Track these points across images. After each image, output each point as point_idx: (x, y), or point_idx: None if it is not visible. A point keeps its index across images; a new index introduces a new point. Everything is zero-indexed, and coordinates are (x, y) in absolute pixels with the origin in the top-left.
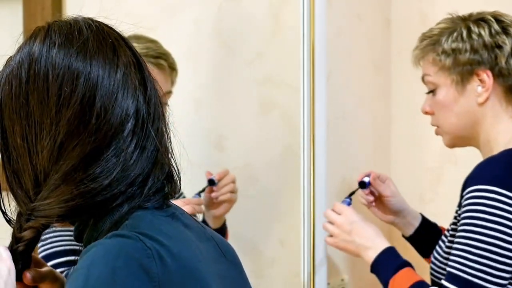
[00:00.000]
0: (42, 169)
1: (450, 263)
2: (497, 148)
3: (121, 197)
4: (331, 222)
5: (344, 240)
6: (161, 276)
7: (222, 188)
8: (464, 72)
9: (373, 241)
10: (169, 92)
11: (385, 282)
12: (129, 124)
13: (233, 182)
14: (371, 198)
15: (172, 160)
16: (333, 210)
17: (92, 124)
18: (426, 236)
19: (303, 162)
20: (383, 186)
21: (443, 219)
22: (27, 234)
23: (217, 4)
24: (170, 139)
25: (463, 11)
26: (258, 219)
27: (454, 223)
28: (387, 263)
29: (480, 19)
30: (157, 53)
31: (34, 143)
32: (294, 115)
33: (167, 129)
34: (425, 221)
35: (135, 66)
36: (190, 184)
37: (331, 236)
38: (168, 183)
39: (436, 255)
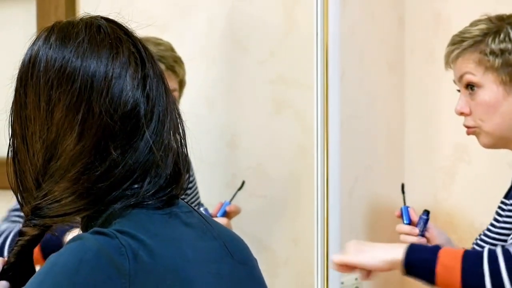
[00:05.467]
0: (39, 170)
1: None
2: None
3: (112, 195)
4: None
5: (361, 250)
6: (134, 273)
7: None
8: None
9: (390, 245)
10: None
11: (430, 264)
12: (117, 126)
13: None
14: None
15: (180, 159)
16: (337, 263)
17: (78, 128)
18: None
19: (317, 161)
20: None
21: (457, 218)
22: (28, 230)
23: (230, 3)
24: (184, 139)
25: (476, 10)
26: (271, 219)
27: (505, 216)
28: (424, 248)
29: None
30: (175, 58)
31: (31, 144)
32: (307, 115)
33: (174, 128)
34: None
35: (137, 65)
36: (204, 182)
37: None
38: (174, 182)
39: (481, 243)
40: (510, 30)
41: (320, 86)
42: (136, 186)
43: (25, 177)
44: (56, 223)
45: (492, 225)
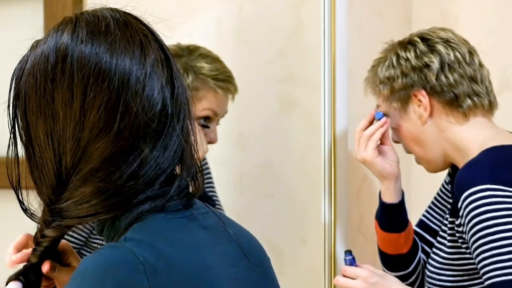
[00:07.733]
0: (64, 168)
1: (485, 276)
2: (472, 153)
3: (140, 196)
4: None
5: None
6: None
7: None
8: (401, 97)
9: None
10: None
11: None
12: (153, 124)
13: None
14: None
15: (196, 158)
16: (344, 275)
17: (116, 128)
18: (403, 211)
19: (324, 160)
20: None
21: None
22: (49, 232)
23: (238, 3)
24: (196, 137)
25: (483, 9)
26: (279, 218)
27: (451, 234)
28: None
29: (407, 43)
30: (226, 76)
31: (58, 142)
32: (315, 114)
33: (193, 127)
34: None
35: (163, 62)
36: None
37: None
38: (192, 181)
39: (433, 263)
40: (393, 57)
41: (328, 85)
42: (163, 186)
43: (47, 172)
44: (82, 223)
45: (437, 248)
